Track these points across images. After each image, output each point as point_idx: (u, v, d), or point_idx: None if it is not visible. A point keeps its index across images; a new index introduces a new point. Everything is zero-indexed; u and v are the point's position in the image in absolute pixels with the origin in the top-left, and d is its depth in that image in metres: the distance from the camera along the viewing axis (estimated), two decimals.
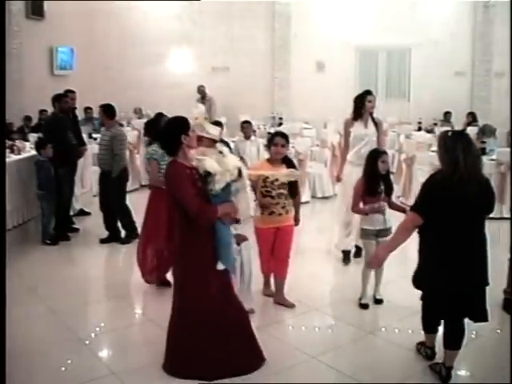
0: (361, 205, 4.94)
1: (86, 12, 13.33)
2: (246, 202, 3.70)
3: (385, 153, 5.00)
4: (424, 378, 3.86)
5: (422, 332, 4.03)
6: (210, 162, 3.57)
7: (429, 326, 3.98)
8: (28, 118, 10.67)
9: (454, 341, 3.75)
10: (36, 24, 11.96)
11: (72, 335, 4.43)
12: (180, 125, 3.62)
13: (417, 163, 8.96)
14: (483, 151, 8.92)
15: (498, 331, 4.47)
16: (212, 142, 3.92)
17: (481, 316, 3.70)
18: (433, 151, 9.47)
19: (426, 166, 9.28)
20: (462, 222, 3.54)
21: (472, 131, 11.19)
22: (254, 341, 3.82)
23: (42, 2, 12.08)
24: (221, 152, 3.72)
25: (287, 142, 4.81)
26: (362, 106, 5.99)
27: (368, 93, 6.11)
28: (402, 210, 4.65)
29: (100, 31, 13.93)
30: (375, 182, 4.86)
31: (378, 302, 5.00)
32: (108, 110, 6.76)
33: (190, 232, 3.55)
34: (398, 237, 3.81)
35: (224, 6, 14.08)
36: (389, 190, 4.96)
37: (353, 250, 6.22)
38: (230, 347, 3.67)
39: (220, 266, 3.63)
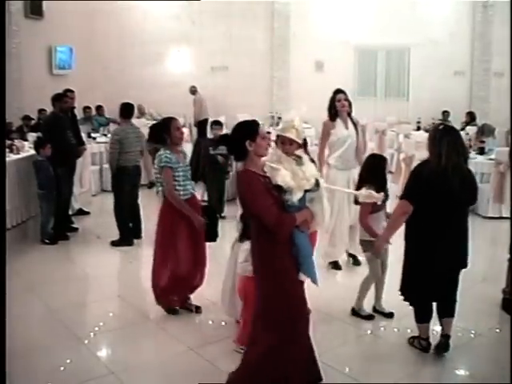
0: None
1: (85, 11, 13.33)
2: (322, 214, 3.40)
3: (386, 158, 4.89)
4: (424, 377, 3.86)
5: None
6: (282, 175, 3.25)
7: (422, 314, 4.04)
8: (27, 118, 10.66)
9: (448, 309, 4.00)
10: (35, 23, 11.95)
11: (71, 335, 4.43)
12: (245, 129, 3.34)
13: (416, 162, 8.94)
14: (482, 150, 8.94)
15: (498, 331, 4.47)
16: (299, 147, 3.53)
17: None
18: None
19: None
20: (446, 210, 3.78)
21: (471, 131, 11.23)
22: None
23: (41, 1, 12.09)
24: (299, 157, 3.42)
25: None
26: (332, 105, 5.77)
27: (337, 92, 5.84)
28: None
29: (99, 31, 13.93)
30: (385, 189, 4.58)
31: (381, 314, 4.78)
32: (121, 109, 6.89)
33: (269, 243, 3.26)
34: (392, 225, 4.03)
35: (223, 5, 14.08)
36: (387, 197, 4.83)
37: (343, 259, 6.01)
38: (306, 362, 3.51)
39: (302, 277, 3.38)
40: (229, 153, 3.76)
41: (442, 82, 14.12)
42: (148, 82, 13.93)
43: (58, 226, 7.00)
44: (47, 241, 6.77)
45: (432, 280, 3.90)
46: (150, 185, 10.04)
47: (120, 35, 14.18)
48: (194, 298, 4.84)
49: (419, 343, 4.10)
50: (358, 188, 4.54)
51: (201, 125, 13.01)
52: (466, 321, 4.50)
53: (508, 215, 6.98)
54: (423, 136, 11.72)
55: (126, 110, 6.87)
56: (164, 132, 4.68)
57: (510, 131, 11.22)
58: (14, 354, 3.82)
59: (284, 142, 3.45)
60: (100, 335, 4.43)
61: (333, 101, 5.79)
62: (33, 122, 10.61)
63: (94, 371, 3.89)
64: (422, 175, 3.80)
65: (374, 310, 4.80)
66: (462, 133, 12.66)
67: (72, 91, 7.75)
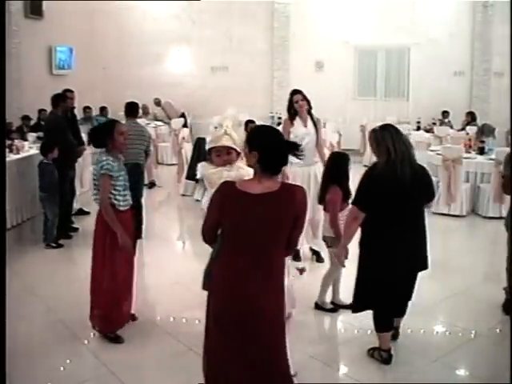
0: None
1: (84, 12, 13.34)
2: None
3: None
4: (424, 377, 3.86)
5: (423, 331, 4.03)
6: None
7: (382, 323, 3.97)
8: (27, 118, 10.66)
9: (401, 311, 4.10)
10: (35, 23, 11.95)
11: (71, 335, 4.43)
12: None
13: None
14: (482, 150, 8.94)
15: (498, 331, 4.47)
16: (238, 155, 3.30)
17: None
18: (432, 150, 9.49)
19: (424, 165, 9.30)
20: (401, 209, 3.70)
21: (471, 131, 11.23)
22: None
23: (40, 1, 12.08)
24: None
25: None
26: (290, 106, 5.93)
27: (294, 93, 5.95)
28: None
29: (99, 31, 13.93)
30: (348, 187, 4.70)
31: (341, 306, 4.87)
32: (125, 108, 7.09)
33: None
34: (346, 232, 3.94)
35: (223, 5, 14.07)
36: (350, 195, 4.71)
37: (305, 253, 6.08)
38: None
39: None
40: (262, 166, 2.84)
41: (442, 82, 14.11)
42: (148, 82, 13.92)
43: (61, 227, 6.98)
44: (54, 244, 6.68)
45: (391, 285, 3.81)
46: (150, 185, 10.11)
47: (120, 35, 14.18)
48: (194, 297, 4.83)
49: (379, 355, 3.98)
50: (323, 186, 4.75)
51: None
52: (466, 321, 4.51)
53: None
54: (423, 136, 11.78)
55: (130, 109, 7.01)
56: (106, 136, 4.23)
57: (510, 131, 11.23)
58: (14, 354, 3.83)
59: (220, 154, 3.19)
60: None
61: (291, 102, 5.97)
62: (33, 122, 10.62)
63: (93, 371, 3.90)
64: (372, 177, 3.75)
65: (333, 303, 4.92)
66: (462, 133, 12.59)
67: (72, 91, 7.75)
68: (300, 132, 5.88)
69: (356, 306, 4.02)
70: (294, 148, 2.81)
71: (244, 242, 2.74)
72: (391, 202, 3.67)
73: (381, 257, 3.76)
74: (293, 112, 5.94)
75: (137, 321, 4.62)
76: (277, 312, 2.83)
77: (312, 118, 6.02)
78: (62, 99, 7.16)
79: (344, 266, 4.19)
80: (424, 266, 3.92)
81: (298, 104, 5.90)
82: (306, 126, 5.94)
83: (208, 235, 2.89)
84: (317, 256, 6.09)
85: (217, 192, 2.79)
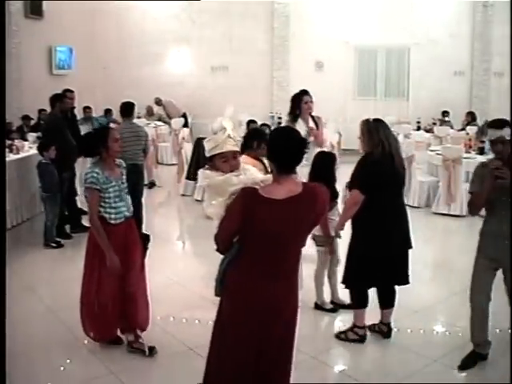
0: None
1: (84, 12, 13.33)
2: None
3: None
4: (424, 377, 3.86)
5: (423, 331, 4.03)
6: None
7: (362, 299, 4.27)
8: (27, 118, 10.66)
9: (389, 300, 4.30)
10: (35, 23, 11.95)
11: (71, 335, 4.43)
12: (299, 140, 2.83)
13: (415, 162, 8.95)
14: (482, 150, 8.93)
15: (498, 331, 4.46)
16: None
17: (404, 279, 4.26)
18: (432, 150, 9.49)
19: (424, 165, 9.30)
20: (393, 194, 4.17)
21: (471, 130, 11.22)
22: None
23: (40, 1, 12.08)
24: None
25: None
26: (298, 107, 5.79)
27: (304, 93, 5.86)
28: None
29: (99, 31, 13.92)
30: (335, 187, 4.82)
31: (340, 306, 4.92)
32: (121, 108, 6.97)
33: None
34: (344, 214, 4.26)
35: (223, 5, 14.07)
36: (337, 195, 4.96)
37: None
38: None
39: None
40: (281, 165, 2.75)
41: (442, 82, 14.11)
42: (148, 82, 13.91)
43: (60, 226, 6.99)
44: (53, 244, 6.69)
45: (388, 261, 4.14)
46: (150, 185, 10.11)
47: (120, 35, 14.18)
48: (194, 297, 4.83)
49: (355, 333, 4.26)
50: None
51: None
52: (466, 321, 4.50)
53: None
54: (423, 136, 11.77)
55: (125, 109, 6.92)
56: (100, 144, 3.96)
57: (510, 131, 11.21)
58: (14, 354, 3.83)
59: (227, 160, 2.99)
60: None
61: (297, 102, 5.83)
62: (33, 121, 10.62)
63: (93, 371, 3.90)
64: (370, 165, 4.07)
65: (332, 303, 4.96)
66: (462, 133, 12.60)
67: (72, 91, 7.74)
68: (303, 133, 5.82)
69: (346, 282, 4.31)
70: (304, 145, 2.77)
71: (267, 247, 2.69)
72: (387, 185, 4.06)
73: (378, 236, 4.07)
74: (298, 112, 5.84)
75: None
76: (291, 324, 2.87)
77: (313, 118, 5.98)
78: (59, 99, 7.15)
79: (340, 237, 4.63)
80: (410, 245, 4.26)
81: (307, 105, 5.81)
82: (308, 126, 5.90)
83: (224, 244, 2.80)
84: None
85: (238, 200, 2.69)
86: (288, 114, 5.90)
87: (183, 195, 9.50)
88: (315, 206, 2.72)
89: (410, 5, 13.98)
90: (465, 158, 8.49)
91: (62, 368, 3.89)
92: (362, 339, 4.25)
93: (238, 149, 3.08)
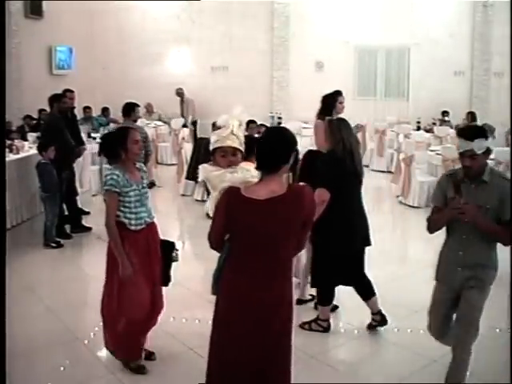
0: None
1: (84, 11, 13.33)
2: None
3: None
4: (423, 377, 3.86)
5: (423, 331, 4.03)
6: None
7: (329, 297, 4.43)
8: (29, 117, 10.66)
9: (368, 291, 4.42)
10: (35, 23, 11.96)
11: (71, 335, 4.43)
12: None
13: (415, 162, 8.96)
14: None
15: (498, 331, 4.46)
16: (243, 156, 3.18)
17: (361, 276, 4.44)
18: (432, 150, 9.49)
19: (424, 165, 9.31)
20: (355, 191, 4.31)
21: None
22: None
23: (40, 1, 12.09)
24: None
25: None
26: (332, 107, 5.68)
27: (339, 93, 5.80)
28: None
29: (99, 31, 13.93)
30: None
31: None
32: (122, 108, 7.05)
33: None
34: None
35: (223, 5, 14.07)
36: None
37: None
38: None
39: None
40: (264, 168, 2.72)
41: (442, 82, 14.11)
42: (148, 82, 13.91)
43: (60, 226, 6.99)
44: (53, 244, 6.68)
45: (350, 258, 4.31)
46: (150, 185, 10.10)
47: (120, 35, 14.18)
48: (194, 297, 4.83)
49: (319, 325, 4.44)
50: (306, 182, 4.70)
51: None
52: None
53: None
54: (423, 136, 11.77)
55: (125, 109, 7.00)
56: (119, 146, 3.74)
57: (510, 131, 11.23)
58: (14, 354, 3.83)
59: (225, 155, 3.04)
60: (100, 335, 4.41)
61: (334, 102, 5.74)
62: (33, 121, 10.62)
63: (93, 371, 3.90)
64: (334, 162, 4.18)
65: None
66: None
67: (72, 91, 7.74)
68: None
69: (318, 282, 4.44)
70: (291, 146, 2.74)
71: (252, 248, 2.70)
72: (350, 183, 4.23)
73: (345, 234, 4.20)
74: (328, 114, 5.57)
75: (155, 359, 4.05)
76: (286, 323, 2.81)
77: None
78: (57, 100, 7.14)
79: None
80: (370, 242, 4.41)
81: (341, 105, 5.74)
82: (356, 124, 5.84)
83: (215, 242, 2.83)
84: None
85: (222, 199, 2.74)
86: (318, 113, 5.73)
87: (183, 195, 9.50)
88: (301, 209, 2.67)
89: (410, 5, 13.98)
90: None
91: (62, 368, 3.89)
92: (325, 330, 4.43)
93: (239, 147, 3.08)
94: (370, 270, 4.59)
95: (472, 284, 3.32)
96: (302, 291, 5.03)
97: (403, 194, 8.90)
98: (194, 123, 13.08)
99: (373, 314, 4.47)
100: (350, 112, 5.94)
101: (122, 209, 3.73)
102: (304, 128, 12.00)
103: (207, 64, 14.49)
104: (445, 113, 13.21)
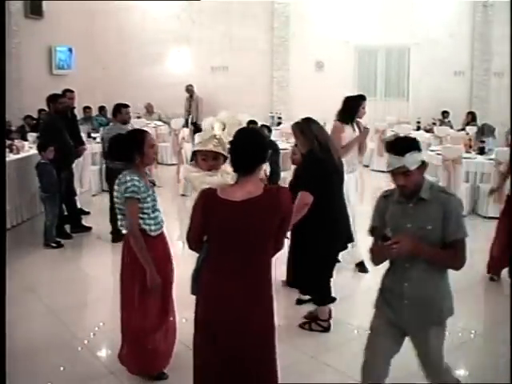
0: None
1: (84, 11, 13.33)
2: None
3: None
4: (423, 377, 3.86)
5: None
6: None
7: (326, 296, 4.45)
8: (29, 117, 10.66)
9: (325, 298, 4.46)
10: (35, 23, 11.95)
11: (71, 335, 4.43)
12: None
13: None
14: (482, 150, 8.93)
15: (498, 331, 4.46)
16: (225, 160, 3.16)
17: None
18: (432, 150, 9.48)
19: None
20: (337, 189, 4.30)
21: (471, 130, 11.22)
22: None
23: (40, 1, 12.09)
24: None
25: None
26: (354, 110, 5.68)
27: (363, 98, 5.80)
28: None
29: (99, 31, 13.92)
30: None
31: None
32: (113, 109, 7.01)
33: None
34: (296, 217, 3.91)
35: (223, 5, 14.07)
36: None
37: None
38: None
39: None
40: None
41: (442, 82, 14.11)
42: (148, 82, 13.92)
43: (60, 227, 6.99)
44: (54, 244, 6.69)
45: (333, 259, 4.42)
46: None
47: (120, 35, 14.18)
48: (194, 297, 4.81)
49: (319, 325, 4.43)
50: (293, 187, 4.44)
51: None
52: (466, 321, 4.50)
53: None
54: (423, 136, 11.76)
55: (113, 110, 7.00)
56: (134, 149, 3.52)
57: (510, 131, 11.22)
58: (14, 354, 3.83)
59: (206, 158, 3.06)
60: (100, 335, 4.42)
61: (357, 106, 5.71)
62: (34, 121, 10.62)
63: (93, 371, 3.90)
64: (314, 163, 4.11)
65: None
66: (462, 133, 12.55)
67: (71, 91, 7.75)
68: (350, 137, 5.66)
69: (313, 285, 4.43)
70: (265, 147, 2.74)
71: (229, 249, 2.71)
72: (332, 181, 4.19)
73: (331, 232, 4.20)
74: (351, 116, 5.68)
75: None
76: (264, 323, 2.80)
77: (357, 124, 5.80)
78: (53, 100, 7.12)
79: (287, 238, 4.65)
80: (352, 239, 4.67)
81: (364, 110, 5.73)
82: (354, 131, 5.73)
83: (193, 243, 2.90)
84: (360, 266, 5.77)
85: (199, 200, 2.77)
86: (338, 114, 5.72)
87: (183, 195, 9.50)
88: (277, 210, 2.66)
89: (410, 5, 13.98)
90: (465, 158, 8.50)
91: (61, 368, 3.90)
92: (325, 330, 4.43)
93: (222, 151, 3.09)
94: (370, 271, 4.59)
95: (426, 323, 2.92)
96: None
97: None
98: (195, 123, 13.08)
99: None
100: None
101: (141, 215, 3.57)
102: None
103: (207, 64, 14.49)
104: (445, 113, 13.21)
